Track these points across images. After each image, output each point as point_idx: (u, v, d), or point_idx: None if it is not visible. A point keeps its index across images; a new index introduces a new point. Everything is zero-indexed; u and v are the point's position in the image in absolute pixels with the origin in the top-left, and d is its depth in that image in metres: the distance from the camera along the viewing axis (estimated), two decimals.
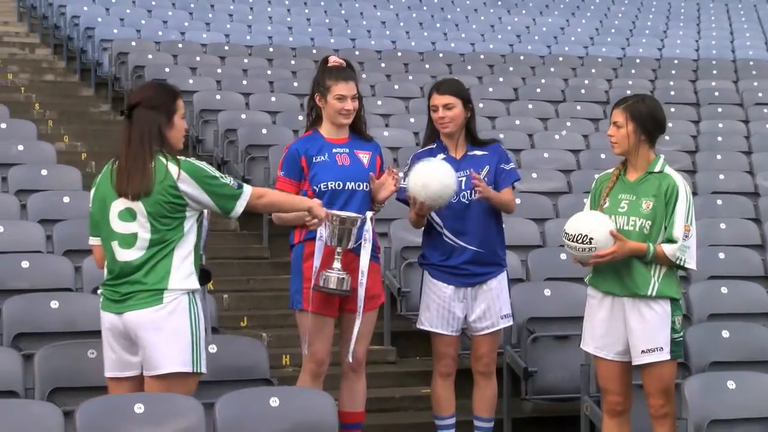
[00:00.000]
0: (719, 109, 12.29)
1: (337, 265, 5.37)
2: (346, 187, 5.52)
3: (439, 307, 5.80)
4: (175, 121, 4.76)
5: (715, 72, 14.39)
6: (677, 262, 5.19)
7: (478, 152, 5.87)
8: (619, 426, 5.38)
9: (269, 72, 12.34)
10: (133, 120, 4.70)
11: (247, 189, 4.76)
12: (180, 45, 13.16)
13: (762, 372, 5.69)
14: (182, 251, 4.67)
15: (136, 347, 4.69)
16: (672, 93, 12.76)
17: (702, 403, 5.39)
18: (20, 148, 8.44)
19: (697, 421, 5.33)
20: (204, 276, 4.85)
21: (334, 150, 5.56)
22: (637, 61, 14.74)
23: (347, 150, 5.60)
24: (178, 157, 4.71)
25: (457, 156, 5.84)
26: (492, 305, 5.82)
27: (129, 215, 4.66)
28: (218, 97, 11.03)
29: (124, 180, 4.66)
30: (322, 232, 5.34)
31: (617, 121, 5.29)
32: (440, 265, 5.80)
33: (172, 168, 4.64)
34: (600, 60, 14.60)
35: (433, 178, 5.54)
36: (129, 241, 4.66)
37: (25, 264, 6.30)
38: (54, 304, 5.78)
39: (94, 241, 4.83)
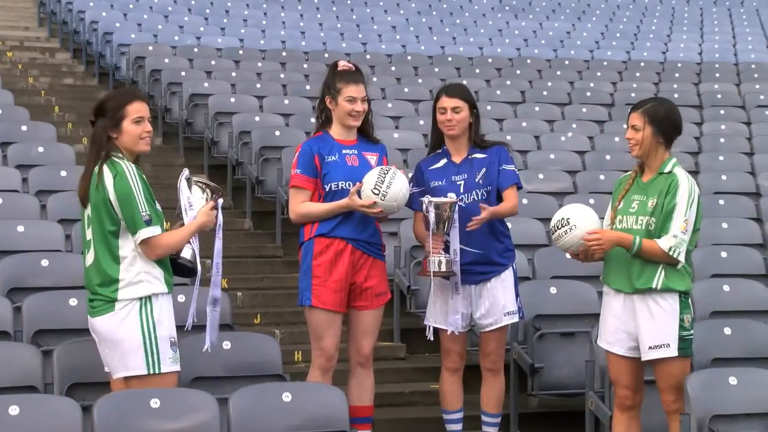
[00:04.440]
0: (722, 112, 12.33)
1: (444, 253, 5.64)
2: None
3: (445, 304, 5.87)
4: (123, 126, 4.80)
5: (717, 75, 14.41)
6: (671, 253, 5.21)
7: (478, 155, 5.91)
8: (628, 420, 5.44)
9: (282, 75, 12.44)
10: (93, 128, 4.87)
11: (154, 230, 4.74)
12: (196, 49, 13.25)
13: (763, 368, 5.70)
14: (128, 257, 4.75)
15: None
16: (675, 95, 12.71)
17: (704, 398, 5.39)
18: (40, 150, 8.53)
19: (700, 416, 5.34)
20: (182, 271, 4.93)
21: (344, 151, 5.68)
22: (642, 64, 14.81)
23: (356, 151, 5.71)
24: (126, 164, 4.75)
25: (458, 161, 5.90)
26: (495, 303, 5.88)
27: (88, 222, 4.82)
28: (233, 100, 11.13)
29: (78, 189, 4.84)
30: (431, 220, 5.60)
31: (636, 125, 5.33)
32: None
33: (108, 177, 4.73)
34: (605, 63, 14.68)
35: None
36: (88, 246, 4.81)
37: (44, 262, 6.37)
38: (73, 302, 5.83)
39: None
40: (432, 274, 5.70)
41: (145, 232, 4.73)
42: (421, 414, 6.94)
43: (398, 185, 5.53)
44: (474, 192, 5.83)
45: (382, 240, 5.86)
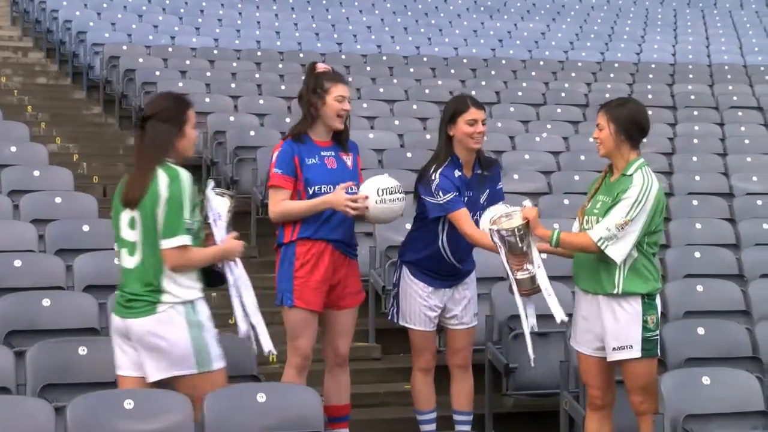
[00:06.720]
0: (695, 113, 12.42)
1: (528, 266, 5.42)
2: None
3: (419, 304, 5.87)
4: (186, 131, 4.88)
5: (691, 76, 14.52)
6: (600, 245, 5.18)
7: (484, 173, 5.88)
8: (600, 420, 5.46)
9: (257, 75, 12.45)
10: (146, 132, 4.83)
11: (187, 239, 4.73)
12: (170, 49, 13.22)
13: (736, 368, 5.77)
14: None
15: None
16: (649, 96, 12.82)
17: (678, 398, 5.45)
18: (13, 149, 8.52)
19: (674, 416, 5.39)
20: (215, 278, 5.00)
21: (323, 153, 5.66)
22: (616, 65, 14.89)
23: (333, 153, 5.70)
24: (180, 169, 4.79)
25: (468, 175, 5.84)
26: (471, 301, 5.93)
27: (132, 224, 4.77)
28: (207, 99, 11.11)
29: (127, 189, 4.78)
30: (499, 244, 5.37)
31: (599, 123, 5.38)
32: (429, 271, 5.85)
33: (163, 179, 4.73)
34: (580, 64, 14.75)
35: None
36: (132, 248, 4.77)
37: (17, 263, 6.37)
38: (46, 302, 5.85)
39: (116, 247, 4.94)
40: (525, 293, 5.46)
41: (184, 239, 4.71)
42: (396, 414, 6.95)
43: (400, 205, 5.57)
44: (477, 213, 5.74)
45: (356, 239, 5.86)
